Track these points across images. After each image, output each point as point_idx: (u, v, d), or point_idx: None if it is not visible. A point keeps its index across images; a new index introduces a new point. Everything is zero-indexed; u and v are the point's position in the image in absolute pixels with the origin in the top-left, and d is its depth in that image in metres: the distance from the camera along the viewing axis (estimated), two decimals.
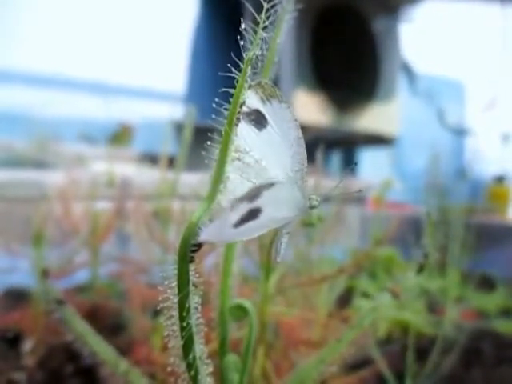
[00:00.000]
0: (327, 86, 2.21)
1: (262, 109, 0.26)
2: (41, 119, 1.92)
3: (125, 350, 0.47)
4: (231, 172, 0.24)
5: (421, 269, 0.40)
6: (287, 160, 0.27)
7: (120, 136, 2.07)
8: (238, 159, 0.26)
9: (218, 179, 0.23)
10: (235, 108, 0.23)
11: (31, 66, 2.09)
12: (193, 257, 0.23)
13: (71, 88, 2.22)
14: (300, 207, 0.27)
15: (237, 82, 0.23)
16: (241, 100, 0.23)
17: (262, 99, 0.26)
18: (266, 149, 0.27)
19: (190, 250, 0.23)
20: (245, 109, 0.26)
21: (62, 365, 0.64)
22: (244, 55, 0.22)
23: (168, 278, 0.24)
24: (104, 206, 0.85)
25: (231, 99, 0.23)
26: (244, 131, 0.26)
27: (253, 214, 0.23)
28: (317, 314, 0.59)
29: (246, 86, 0.23)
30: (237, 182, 0.25)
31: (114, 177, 1.08)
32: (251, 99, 0.26)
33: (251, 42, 0.23)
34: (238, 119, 0.24)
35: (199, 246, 0.23)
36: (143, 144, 1.98)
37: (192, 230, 0.23)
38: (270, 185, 0.23)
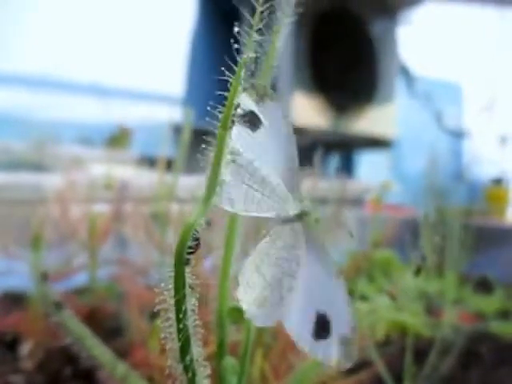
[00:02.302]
0: (325, 88, 2.21)
1: (256, 109, 0.27)
2: (39, 121, 1.92)
3: (123, 353, 0.47)
4: (226, 174, 0.25)
5: (418, 271, 0.40)
6: (279, 159, 0.27)
7: (118, 138, 2.07)
8: (233, 161, 0.26)
9: (214, 182, 0.23)
10: (229, 111, 0.23)
11: (29, 68, 2.09)
12: (189, 259, 0.23)
13: (70, 90, 2.22)
14: (291, 208, 0.27)
15: (231, 85, 0.23)
16: (235, 103, 0.23)
17: (255, 100, 0.26)
18: (258, 149, 0.27)
19: (186, 252, 0.23)
20: (239, 111, 0.26)
21: (61, 368, 0.64)
22: (239, 59, 0.23)
23: (165, 281, 0.24)
24: (102, 208, 0.85)
25: (226, 102, 0.23)
26: (238, 133, 0.26)
27: None
28: None
29: (241, 88, 0.23)
30: (232, 185, 0.26)
31: (112, 179, 1.08)
32: (245, 101, 0.26)
33: (245, 46, 0.23)
34: (233, 122, 0.24)
35: (197, 247, 0.23)
36: (141, 146, 1.98)
37: (188, 233, 0.23)
38: None
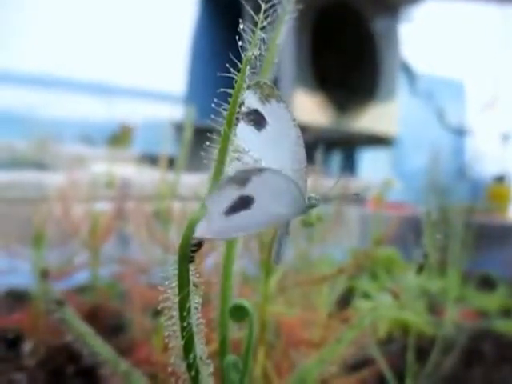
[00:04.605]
0: (327, 86, 2.21)
1: (261, 109, 0.26)
2: (41, 120, 1.93)
3: (126, 351, 0.47)
4: (230, 172, 0.24)
5: (420, 269, 0.40)
6: (286, 159, 0.27)
7: (120, 137, 2.07)
8: (238, 159, 0.26)
9: (218, 179, 0.23)
10: (234, 108, 0.23)
11: (31, 67, 2.09)
12: (193, 257, 0.23)
13: (71, 89, 2.22)
14: (299, 205, 0.27)
15: (236, 82, 0.23)
16: (240, 100, 0.23)
17: (260, 99, 0.26)
18: (264, 148, 0.27)
19: (190, 249, 0.23)
20: (244, 109, 0.25)
21: (63, 365, 0.64)
22: (243, 56, 0.22)
23: (168, 279, 0.24)
24: (104, 206, 0.85)
25: (230, 99, 0.23)
26: (243, 131, 0.26)
27: (244, 203, 0.23)
28: (317, 314, 0.59)
29: (245, 86, 0.23)
30: None
31: (113, 178, 1.08)
32: (250, 99, 0.26)
33: (250, 43, 0.23)
34: (237, 119, 0.24)
35: (199, 245, 0.23)
36: (143, 145, 1.98)
37: (192, 230, 0.23)
38: (260, 170, 0.23)
